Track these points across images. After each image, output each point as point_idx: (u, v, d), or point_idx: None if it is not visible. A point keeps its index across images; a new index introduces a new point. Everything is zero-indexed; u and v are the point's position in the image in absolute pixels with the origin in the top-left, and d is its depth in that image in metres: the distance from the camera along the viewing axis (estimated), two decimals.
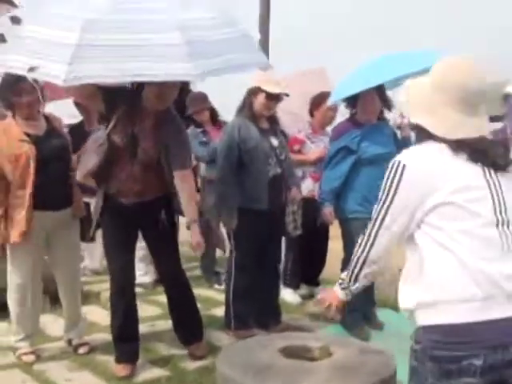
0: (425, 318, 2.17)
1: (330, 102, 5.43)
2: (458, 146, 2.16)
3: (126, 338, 4.32)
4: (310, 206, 5.37)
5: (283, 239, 5.44)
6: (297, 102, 6.26)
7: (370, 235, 2.31)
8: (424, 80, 2.30)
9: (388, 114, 5.09)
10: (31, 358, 4.47)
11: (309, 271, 6.19)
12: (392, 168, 2.21)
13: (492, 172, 2.17)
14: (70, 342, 4.70)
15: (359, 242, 2.37)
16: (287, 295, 5.97)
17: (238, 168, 4.81)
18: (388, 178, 2.22)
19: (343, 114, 5.33)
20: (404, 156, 2.22)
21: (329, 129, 6.03)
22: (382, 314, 5.39)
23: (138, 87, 4.09)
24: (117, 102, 4.04)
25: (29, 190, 4.20)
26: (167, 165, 4.14)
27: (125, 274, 4.29)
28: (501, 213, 2.14)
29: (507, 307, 2.07)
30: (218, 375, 3.05)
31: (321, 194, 5.12)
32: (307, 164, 5.84)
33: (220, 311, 5.27)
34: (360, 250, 2.37)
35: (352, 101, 5.00)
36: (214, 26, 3.68)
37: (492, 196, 2.15)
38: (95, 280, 6.46)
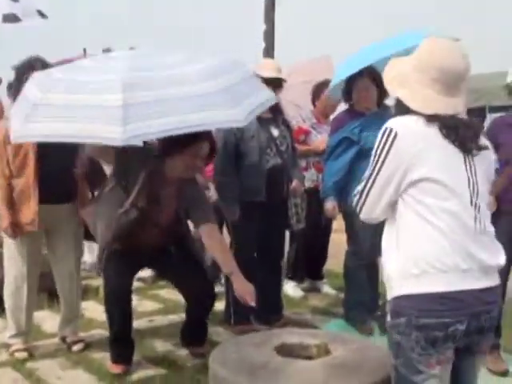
0: (410, 288, 2.22)
1: (327, 93, 5.31)
2: (429, 119, 2.25)
3: (122, 342, 4.20)
4: (314, 197, 5.21)
5: (286, 232, 5.26)
6: (301, 91, 6.09)
7: (361, 195, 2.37)
8: (406, 59, 2.41)
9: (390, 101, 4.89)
10: (23, 354, 4.33)
11: (312, 265, 6.03)
12: (384, 134, 2.28)
13: (470, 157, 2.29)
14: (64, 339, 4.55)
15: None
16: (290, 289, 5.81)
17: (235, 159, 4.64)
18: (379, 145, 2.29)
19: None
20: (395, 124, 2.28)
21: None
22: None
23: (166, 153, 3.90)
24: (138, 164, 3.85)
25: (30, 180, 4.13)
26: (184, 218, 4.08)
27: (121, 280, 4.09)
28: (476, 196, 2.27)
29: (484, 279, 2.24)
30: (211, 374, 2.90)
31: (323, 188, 4.93)
32: (312, 154, 5.65)
33: (220, 305, 5.09)
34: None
35: (347, 92, 4.83)
36: (227, 71, 3.59)
37: (469, 180, 2.27)
38: (95, 275, 6.27)
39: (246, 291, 3.69)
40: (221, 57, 3.77)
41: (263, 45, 12.71)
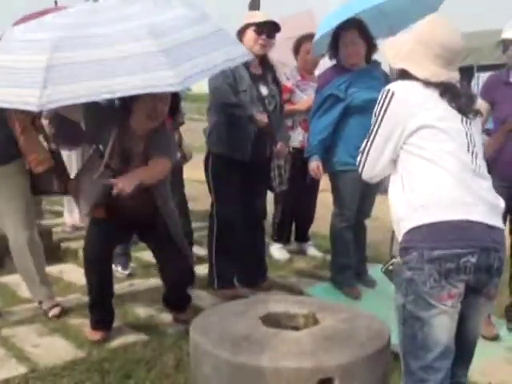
0: (420, 219, 2.28)
1: (307, 47, 5.10)
2: (435, 85, 2.40)
3: (101, 308, 4.02)
4: (300, 157, 5.00)
5: (270, 194, 5.06)
6: (284, 48, 5.84)
7: (363, 153, 2.50)
8: (405, 36, 2.56)
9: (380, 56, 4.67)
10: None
11: (298, 226, 5.87)
12: (382, 95, 2.41)
13: (466, 119, 2.41)
14: (40, 303, 4.35)
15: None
16: (275, 251, 5.65)
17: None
18: (378, 104, 2.42)
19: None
20: (394, 85, 2.43)
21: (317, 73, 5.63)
22: (373, 271, 5.05)
23: (128, 106, 3.72)
24: (107, 122, 3.70)
25: None
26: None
27: (101, 246, 3.90)
28: (473, 145, 2.38)
29: (490, 217, 2.30)
30: (192, 344, 2.72)
31: (308, 147, 4.73)
32: (298, 113, 5.44)
33: (203, 269, 4.93)
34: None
35: (333, 47, 4.59)
36: (187, 25, 3.32)
37: (466, 132, 2.38)
38: (75, 236, 6.10)
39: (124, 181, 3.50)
40: (191, 8, 3.51)
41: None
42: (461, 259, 2.22)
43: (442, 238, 2.23)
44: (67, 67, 2.96)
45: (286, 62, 6.07)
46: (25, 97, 2.95)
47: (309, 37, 5.33)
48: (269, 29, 4.46)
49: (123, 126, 3.74)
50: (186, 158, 5.32)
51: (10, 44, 3.30)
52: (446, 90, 2.39)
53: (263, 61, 4.60)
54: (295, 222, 5.83)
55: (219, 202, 4.56)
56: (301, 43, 5.52)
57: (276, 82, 4.71)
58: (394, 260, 2.55)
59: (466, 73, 9.61)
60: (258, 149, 4.45)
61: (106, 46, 3.06)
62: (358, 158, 2.53)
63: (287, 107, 5.32)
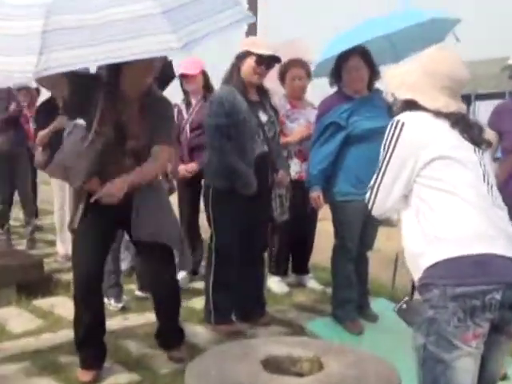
0: (441, 253, 2.14)
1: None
2: (445, 115, 2.32)
3: (91, 345, 3.80)
4: (298, 188, 4.87)
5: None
6: (273, 76, 5.74)
7: (372, 189, 2.38)
8: (409, 65, 2.52)
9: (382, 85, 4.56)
10: None
11: (297, 258, 5.69)
12: (391, 127, 2.32)
13: (478, 149, 2.32)
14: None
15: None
16: (274, 284, 5.46)
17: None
18: (387, 137, 2.33)
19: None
20: (403, 116, 2.34)
21: (308, 99, 5.56)
22: (376, 305, 4.88)
23: (114, 73, 3.57)
24: (93, 92, 3.51)
25: None
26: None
27: (93, 268, 3.70)
28: (487, 175, 2.29)
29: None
30: None
31: (308, 177, 4.59)
32: (291, 145, 5.29)
33: (200, 302, 4.74)
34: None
35: (335, 73, 4.47)
36: None
37: (479, 162, 2.30)
38: (67, 267, 5.88)
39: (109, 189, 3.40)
40: None
41: (245, 26, 12.33)
42: (486, 296, 2.09)
43: (466, 274, 2.11)
44: (64, 32, 2.83)
45: (277, 90, 5.98)
46: (22, 65, 2.81)
47: (294, 62, 5.25)
48: (270, 60, 4.36)
49: (112, 91, 3.55)
50: (171, 191, 5.20)
51: (1, 10, 3.10)
52: (457, 121, 2.32)
53: (258, 87, 4.47)
54: (294, 254, 5.65)
55: (219, 234, 4.39)
56: (287, 69, 5.37)
57: (273, 108, 4.58)
58: (406, 299, 2.41)
59: (464, 101, 9.49)
60: (258, 178, 4.28)
61: (103, 9, 2.91)
62: (368, 195, 2.41)
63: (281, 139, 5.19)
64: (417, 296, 2.25)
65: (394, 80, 2.49)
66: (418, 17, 4.36)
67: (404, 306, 2.39)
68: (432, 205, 2.22)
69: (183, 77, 5.42)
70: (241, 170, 4.20)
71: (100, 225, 3.66)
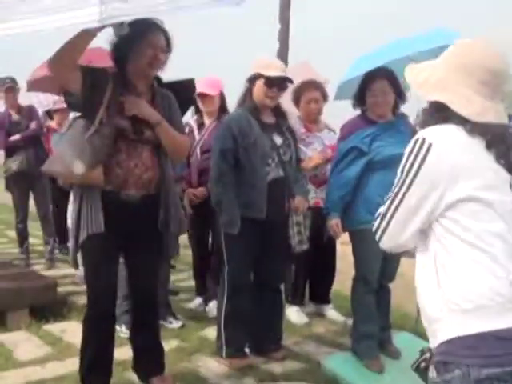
0: (462, 327, 1.81)
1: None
2: (481, 130, 1.91)
3: (97, 370, 3.63)
4: (315, 215, 4.72)
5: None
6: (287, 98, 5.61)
7: (383, 218, 2.00)
8: (433, 62, 2.07)
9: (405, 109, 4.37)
10: None
11: (316, 286, 5.48)
12: (414, 146, 1.90)
13: None
14: None
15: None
16: (292, 314, 5.26)
17: (234, 167, 4.12)
18: (409, 158, 1.91)
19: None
20: (430, 133, 1.91)
21: (323, 121, 5.41)
22: (398, 339, 4.64)
23: (121, 64, 3.56)
24: (102, 83, 3.45)
25: None
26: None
27: (108, 294, 3.59)
28: None
29: None
30: None
31: (326, 203, 4.41)
32: (305, 172, 5.09)
33: (213, 333, 4.56)
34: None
35: (359, 95, 4.31)
36: None
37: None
38: (83, 290, 5.73)
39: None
40: None
41: (277, 45, 12.21)
42: None
43: (492, 353, 1.78)
44: None
45: (292, 111, 5.85)
46: (84, 17, 2.83)
47: (309, 84, 5.10)
48: (281, 81, 4.21)
49: (120, 83, 3.50)
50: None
51: None
52: (494, 141, 1.91)
53: (275, 109, 4.32)
54: (313, 282, 5.46)
55: (231, 263, 4.20)
56: (301, 92, 5.25)
57: (290, 130, 4.40)
58: (426, 356, 2.01)
59: None
60: (273, 205, 4.11)
61: None
62: (377, 223, 2.02)
63: None
64: (432, 373, 1.89)
65: (416, 76, 2.05)
66: (444, 38, 4.16)
67: (423, 364, 2.00)
68: (454, 256, 1.88)
69: (201, 96, 5.25)
70: (225, 206, 4.06)
71: (110, 240, 3.50)
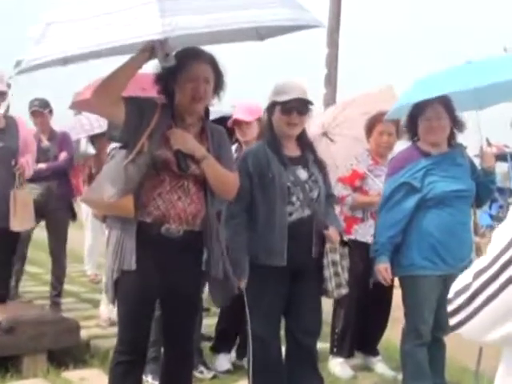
0: None
1: (386, 116, 4.69)
2: None
3: None
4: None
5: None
6: (361, 124, 5.43)
7: (466, 303, 1.48)
8: None
9: (464, 140, 4.19)
10: None
11: (364, 336, 5.25)
12: None
13: None
14: None
15: None
16: (336, 366, 5.03)
17: (250, 208, 3.95)
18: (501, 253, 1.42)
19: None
20: None
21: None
22: None
23: (169, 96, 3.58)
24: (147, 113, 3.45)
25: None
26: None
27: (140, 339, 3.53)
28: None
29: None
30: None
31: (374, 245, 4.26)
32: (373, 205, 4.94)
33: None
34: None
35: (411, 124, 4.17)
36: None
37: None
38: (108, 333, 5.66)
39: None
40: None
41: (325, 71, 12.19)
42: None
43: None
44: (180, 0, 3.16)
45: (361, 138, 5.66)
46: (145, 29, 3.03)
47: (383, 115, 4.88)
48: (299, 104, 3.97)
49: (168, 115, 3.52)
50: None
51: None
52: None
53: (300, 140, 4.11)
54: (361, 331, 5.21)
55: (254, 317, 3.93)
56: (375, 123, 5.11)
57: (319, 163, 4.16)
58: None
59: None
60: (299, 248, 3.89)
61: None
62: (453, 305, 1.53)
63: (359, 198, 4.97)
64: None
65: None
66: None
67: None
68: None
69: (236, 123, 5.04)
70: (232, 251, 3.79)
71: (146, 279, 3.43)
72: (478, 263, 1.50)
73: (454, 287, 1.55)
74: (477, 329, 1.51)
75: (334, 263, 4.00)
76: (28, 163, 5.92)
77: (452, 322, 1.54)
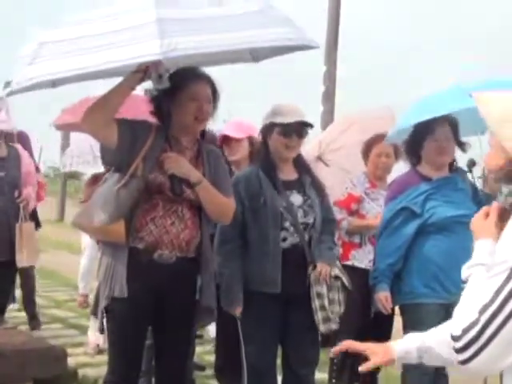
0: None
1: (386, 140, 4.67)
2: None
3: None
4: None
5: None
6: (353, 152, 5.50)
7: (476, 338, 1.57)
8: None
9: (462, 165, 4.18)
10: None
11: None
12: None
13: None
14: None
15: None
16: None
17: (244, 233, 3.91)
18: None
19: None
20: None
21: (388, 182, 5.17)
22: None
23: (165, 118, 3.59)
24: (140, 136, 3.45)
25: None
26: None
27: (130, 369, 3.51)
28: None
29: None
30: None
31: (373, 273, 4.22)
32: (370, 229, 4.92)
33: None
34: None
35: (412, 146, 4.14)
36: None
37: None
38: (96, 361, 5.59)
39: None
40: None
41: (323, 88, 12.19)
42: None
43: None
44: (175, 22, 3.14)
45: (349, 168, 5.70)
46: (144, 49, 3.03)
47: (381, 137, 4.84)
48: (300, 127, 3.95)
49: (162, 138, 3.50)
50: None
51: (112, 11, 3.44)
52: None
53: (297, 162, 4.08)
54: (360, 360, 5.11)
55: (248, 345, 3.88)
56: (372, 144, 5.08)
57: (316, 186, 4.11)
58: None
59: None
60: (293, 276, 3.82)
61: (204, 7, 3.37)
62: (462, 342, 1.59)
63: (354, 221, 4.94)
64: None
65: (494, 109, 1.71)
66: None
67: None
68: None
69: (225, 140, 4.88)
70: (224, 279, 3.83)
71: (137, 306, 3.42)
72: (480, 298, 1.60)
73: (458, 324, 1.62)
74: (487, 360, 1.55)
75: (320, 295, 3.90)
76: (31, 195, 5.86)
77: (462, 357, 1.59)
